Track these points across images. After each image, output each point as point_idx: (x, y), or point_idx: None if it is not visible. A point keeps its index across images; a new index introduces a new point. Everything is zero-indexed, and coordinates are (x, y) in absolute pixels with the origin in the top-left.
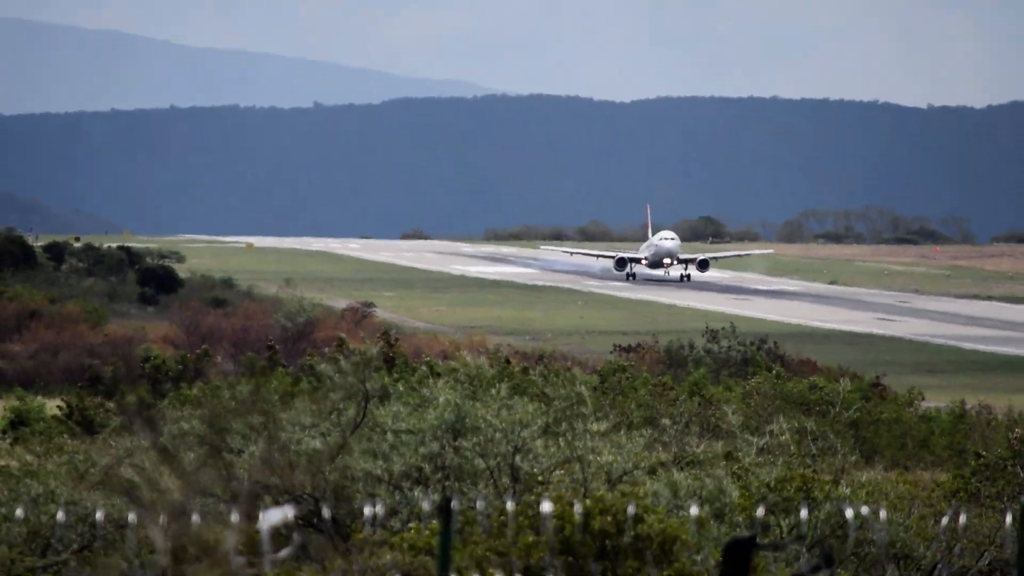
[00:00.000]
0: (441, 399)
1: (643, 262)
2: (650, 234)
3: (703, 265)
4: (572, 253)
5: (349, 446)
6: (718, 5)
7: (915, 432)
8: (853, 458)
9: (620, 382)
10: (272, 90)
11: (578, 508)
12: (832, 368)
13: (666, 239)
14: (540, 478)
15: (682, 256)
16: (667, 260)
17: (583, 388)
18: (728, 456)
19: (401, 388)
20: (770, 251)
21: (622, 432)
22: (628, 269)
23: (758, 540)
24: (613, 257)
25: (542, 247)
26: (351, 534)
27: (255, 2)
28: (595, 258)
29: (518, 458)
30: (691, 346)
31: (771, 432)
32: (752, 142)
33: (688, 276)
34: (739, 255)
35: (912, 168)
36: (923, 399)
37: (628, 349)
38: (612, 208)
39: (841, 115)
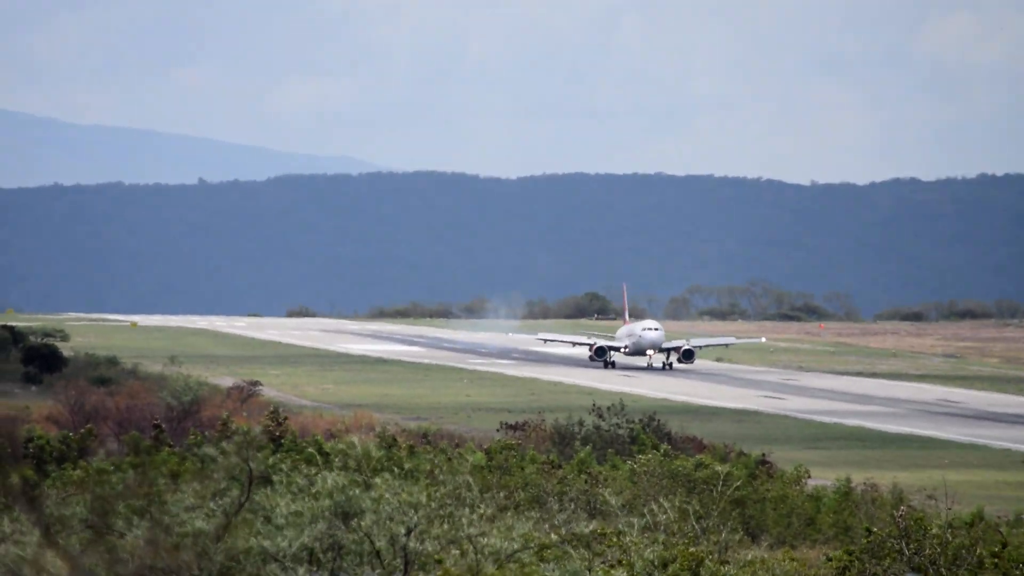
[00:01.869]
0: (329, 482)
1: (623, 350)
2: (627, 315)
3: (688, 355)
4: (546, 341)
5: (235, 526)
6: (604, 83)
7: (801, 510)
8: (737, 536)
9: (507, 460)
10: (157, 167)
11: None
12: (718, 445)
13: (649, 329)
14: (436, 557)
15: (665, 345)
16: (650, 351)
17: (469, 478)
18: (617, 535)
19: (286, 469)
20: (762, 339)
21: (509, 513)
22: (608, 358)
23: None
24: (591, 345)
25: (510, 334)
26: None
27: (140, 80)
28: (571, 345)
29: (408, 539)
30: (580, 423)
31: (651, 511)
32: (637, 218)
33: (671, 365)
34: (725, 344)
35: (796, 245)
36: (809, 476)
37: (515, 427)
38: (498, 284)
39: (726, 191)
